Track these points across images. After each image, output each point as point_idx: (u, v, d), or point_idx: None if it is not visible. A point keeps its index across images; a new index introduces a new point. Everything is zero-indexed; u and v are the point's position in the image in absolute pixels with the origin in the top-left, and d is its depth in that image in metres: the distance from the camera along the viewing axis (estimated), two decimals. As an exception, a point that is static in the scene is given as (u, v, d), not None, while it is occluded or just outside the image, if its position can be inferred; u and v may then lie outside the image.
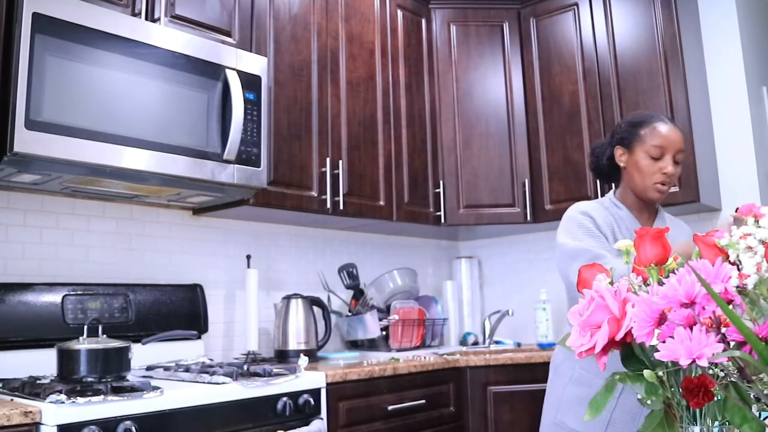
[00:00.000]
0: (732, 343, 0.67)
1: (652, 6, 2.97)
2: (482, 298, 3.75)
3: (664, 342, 0.68)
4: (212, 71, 2.20)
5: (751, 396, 0.69)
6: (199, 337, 2.45)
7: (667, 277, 0.76)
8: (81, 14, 1.90)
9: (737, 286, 0.69)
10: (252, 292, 2.63)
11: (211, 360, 2.36)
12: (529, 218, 3.23)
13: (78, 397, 1.53)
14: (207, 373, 1.93)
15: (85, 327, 1.80)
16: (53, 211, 2.24)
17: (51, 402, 1.51)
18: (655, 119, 1.80)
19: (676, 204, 2.75)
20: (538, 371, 2.70)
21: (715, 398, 0.69)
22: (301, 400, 2.01)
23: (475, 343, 3.40)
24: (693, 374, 0.70)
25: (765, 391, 0.66)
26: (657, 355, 0.68)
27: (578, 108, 3.15)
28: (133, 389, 1.66)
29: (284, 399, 1.96)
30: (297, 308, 2.64)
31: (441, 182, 3.24)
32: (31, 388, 1.65)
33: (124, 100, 1.96)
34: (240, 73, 2.26)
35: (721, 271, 0.70)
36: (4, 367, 1.94)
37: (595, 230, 1.74)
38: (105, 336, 1.81)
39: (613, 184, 1.93)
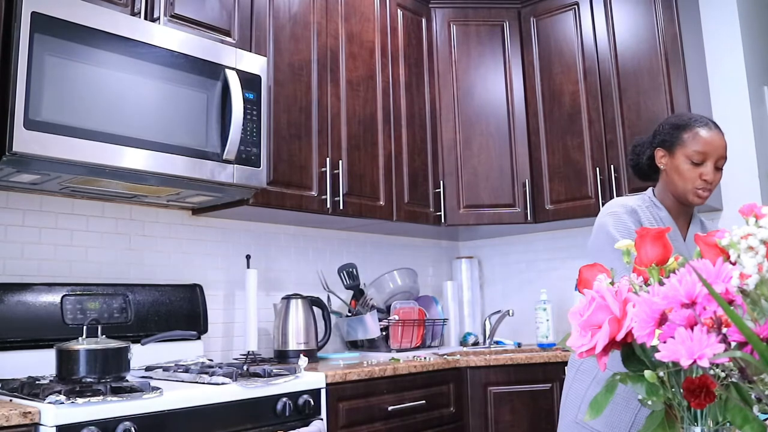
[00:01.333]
0: (733, 344, 0.66)
1: (652, 5, 2.97)
2: (482, 299, 3.75)
3: (664, 342, 0.68)
4: (212, 71, 2.20)
5: (753, 396, 0.69)
6: (199, 338, 2.44)
7: (668, 277, 0.76)
8: (80, 14, 1.89)
9: (738, 287, 0.69)
10: (251, 292, 2.63)
11: (210, 360, 2.35)
12: (529, 218, 3.23)
13: (77, 398, 1.53)
14: (206, 373, 1.93)
15: (84, 327, 1.79)
16: (52, 211, 2.23)
17: (50, 402, 1.50)
18: (698, 123, 1.75)
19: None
20: (539, 372, 2.70)
21: (717, 399, 0.69)
22: (300, 401, 2.01)
23: (476, 344, 3.39)
24: (694, 375, 0.70)
25: (766, 392, 0.66)
26: (658, 356, 0.68)
27: (579, 108, 3.15)
28: (132, 390, 1.66)
29: (284, 399, 1.96)
30: (297, 308, 2.63)
31: (441, 182, 3.23)
32: (30, 388, 1.65)
33: (124, 99, 1.96)
34: (240, 73, 2.26)
35: (722, 271, 0.70)
36: (3, 367, 1.94)
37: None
38: (104, 336, 1.80)
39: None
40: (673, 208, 1.80)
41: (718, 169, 1.74)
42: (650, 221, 1.74)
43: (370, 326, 2.93)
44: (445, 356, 2.72)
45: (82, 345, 1.72)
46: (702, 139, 1.72)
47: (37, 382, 1.73)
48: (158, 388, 1.69)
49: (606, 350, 0.76)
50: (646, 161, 1.85)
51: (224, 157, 2.18)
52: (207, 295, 2.57)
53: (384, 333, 2.99)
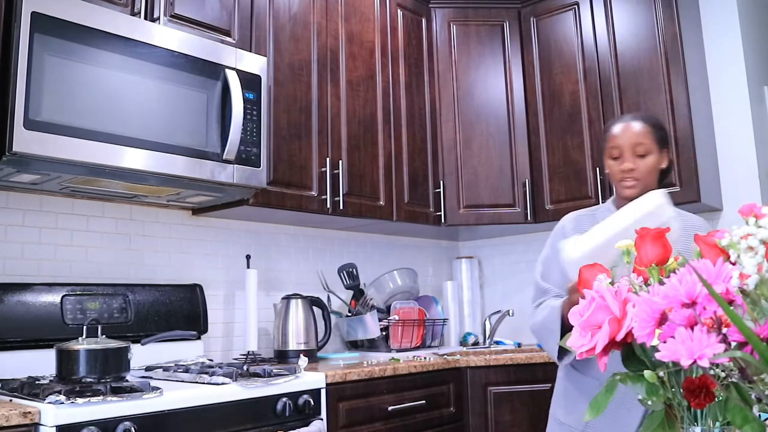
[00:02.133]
0: (733, 344, 0.66)
1: (652, 5, 2.97)
2: (482, 299, 3.74)
3: (665, 342, 0.68)
4: (212, 71, 2.20)
5: (753, 396, 0.69)
6: (199, 338, 2.44)
7: (668, 277, 0.76)
8: (80, 13, 1.89)
9: (738, 287, 0.69)
10: (251, 292, 2.63)
11: (210, 360, 2.35)
12: (529, 218, 3.23)
13: (77, 398, 1.53)
14: (206, 373, 1.93)
15: (84, 327, 1.79)
16: (52, 211, 2.23)
17: (50, 402, 1.50)
18: (615, 121, 1.80)
19: (676, 204, 2.73)
20: (538, 371, 2.70)
21: (717, 399, 0.69)
22: (300, 401, 2.01)
23: (476, 344, 3.39)
24: (694, 375, 0.70)
25: (766, 392, 0.66)
26: (658, 356, 0.68)
27: (579, 108, 3.15)
28: (132, 390, 1.66)
29: (284, 399, 1.96)
30: (297, 308, 2.63)
31: (441, 182, 3.23)
32: (30, 388, 1.65)
33: (124, 99, 1.96)
34: (240, 73, 2.26)
35: (722, 271, 0.70)
36: (3, 367, 1.94)
37: None
38: (104, 336, 1.80)
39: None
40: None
41: (642, 156, 1.71)
42: (582, 228, 1.73)
43: (370, 326, 2.93)
44: (445, 356, 2.72)
45: (82, 345, 1.72)
46: (613, 135, 1.75)
47: (37, 382, 1.73)
48: (158, 388, 1.69)
49: (606, 350, 0.76)
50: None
51: (224, 157, 2.18)
52: (207, 295, 2.57)
53: (384, 333, 2.99)
